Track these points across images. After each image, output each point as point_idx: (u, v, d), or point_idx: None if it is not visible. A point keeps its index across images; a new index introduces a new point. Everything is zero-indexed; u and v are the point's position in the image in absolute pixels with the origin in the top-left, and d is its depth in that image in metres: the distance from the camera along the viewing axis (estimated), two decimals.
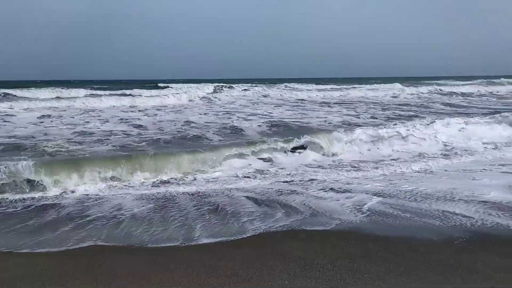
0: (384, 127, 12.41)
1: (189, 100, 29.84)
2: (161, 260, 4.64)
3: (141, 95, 31.74)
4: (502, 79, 60.40)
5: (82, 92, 33.64)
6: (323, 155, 10.36)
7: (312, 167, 9.33)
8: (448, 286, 3.94)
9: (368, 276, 4.15)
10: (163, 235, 5.42)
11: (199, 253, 4.82)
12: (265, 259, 4.59)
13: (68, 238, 5.35)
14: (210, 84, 43.89)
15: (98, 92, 34.63)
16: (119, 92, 34.25)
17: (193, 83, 52.90)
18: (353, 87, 44.39)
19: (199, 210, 6.41)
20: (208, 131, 14.42)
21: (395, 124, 13.45)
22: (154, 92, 35.11)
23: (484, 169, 8.79)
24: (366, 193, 7.14)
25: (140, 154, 8.96)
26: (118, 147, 11.03)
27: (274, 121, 17.05)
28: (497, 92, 40.21)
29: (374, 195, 7.01)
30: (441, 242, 5.03)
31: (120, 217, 6.11)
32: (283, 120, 17.58)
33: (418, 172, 8.78)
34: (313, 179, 8.23)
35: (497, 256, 4.57)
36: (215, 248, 4.97)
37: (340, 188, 7.53)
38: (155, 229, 5.63)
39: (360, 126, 13.65)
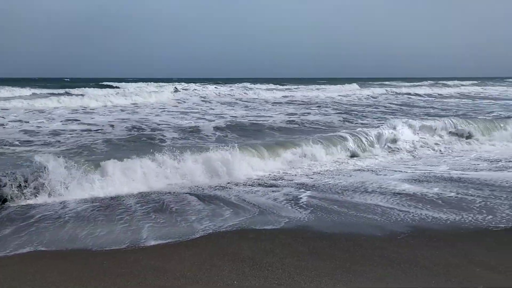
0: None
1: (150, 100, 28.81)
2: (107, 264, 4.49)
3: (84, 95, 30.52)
4: (456, 81, 64.32)
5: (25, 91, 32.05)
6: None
7: None
8: (391, 279, 4.08)
9: (315, 273, 4.22)
10: (108, 238, 5.25)
11: (146, 255, 4.71)
12: (214, 259, 4.56)
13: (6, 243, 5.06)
14: (166, 83, 43.34)
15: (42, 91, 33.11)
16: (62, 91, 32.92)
17: (151, 81, 51.89)
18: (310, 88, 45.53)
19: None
20: (163, 131, 14.23)
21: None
22: (100, 91, 33.88)
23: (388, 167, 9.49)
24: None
25: None
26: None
27: (233, 120, 17.05)
28: (443, 93, 42.16)
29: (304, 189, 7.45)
30: (384, 237, 5.21)
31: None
32: (238, 119, 17.62)
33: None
34: None
35: (435, 249, 4.79)
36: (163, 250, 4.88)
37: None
38: (90, 230, 5.45)
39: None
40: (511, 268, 4.26)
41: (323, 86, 49.99)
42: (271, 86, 47.98)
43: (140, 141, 12.34)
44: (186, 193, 7.28)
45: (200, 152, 8.76)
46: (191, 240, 5.18)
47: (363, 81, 63.34)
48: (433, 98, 35.57)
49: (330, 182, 8.00)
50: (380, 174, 8.70)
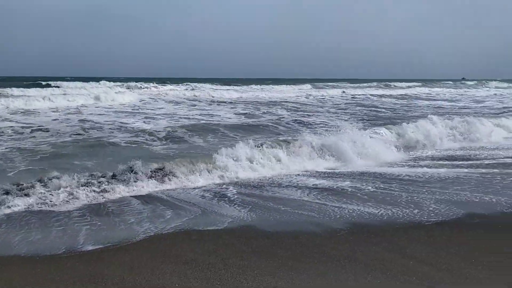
0: None
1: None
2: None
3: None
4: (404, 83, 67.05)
5: None
6: None
7: None
8: (331, 275, 4.19)
9: (258, 272, 4.25)
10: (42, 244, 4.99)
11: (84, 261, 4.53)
12: (155, 262, 4.47)
13: None
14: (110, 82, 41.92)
15: None
16: None
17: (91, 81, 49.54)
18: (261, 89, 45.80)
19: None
20: (113, 132, 13.80)
21: None
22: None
23: None
24: None
25: None
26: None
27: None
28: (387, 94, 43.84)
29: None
30: (324, 234, 5.35)
31: None
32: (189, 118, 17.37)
33: None
34: None
35: (372, 245, 4.98)
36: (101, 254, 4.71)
37: None
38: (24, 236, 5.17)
39: None
40: (440, 260, 4.51)
41: (275, 87, 50.25)
42: (230, 87, 47.58)
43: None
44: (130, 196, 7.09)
45: None
46: (131, 243, 5.05)
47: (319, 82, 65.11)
48: (373, 99, 36.95)
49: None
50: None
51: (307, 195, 7.11)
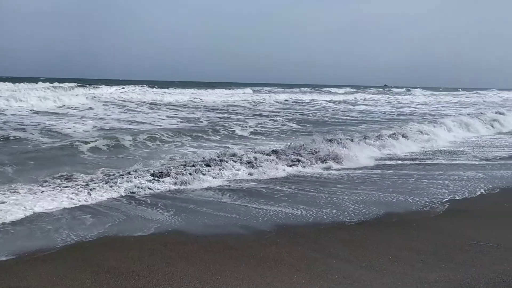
0: None
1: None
2: None
3: None
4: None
5: None
6: None
7: None
8: (257, 277, 4.24)
9: (184, 277, 4.19)
10: None
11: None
12: (75, 272, 4.25)
13: None
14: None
15: None
16: None
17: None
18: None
19: None
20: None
21: None
22: None
23: None
24: None
25: None
26: None
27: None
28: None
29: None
30: (252, 236, 5.40)
31: None
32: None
33: None
34: None
35: (298, 245, 5.11)
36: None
37: None
38: None
39: None
40: (361, 257, 4.72)
41: (216, 91, 49.66)
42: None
43: None
44: None
45: None
46: (49, 253, 4.76)
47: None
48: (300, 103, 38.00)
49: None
50: None
51: (222, 196, 7.30)
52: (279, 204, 6.81)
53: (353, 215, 6.30)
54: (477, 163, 10.49)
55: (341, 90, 65.62)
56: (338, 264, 4.56)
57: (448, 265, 4.43)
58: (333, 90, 66.75)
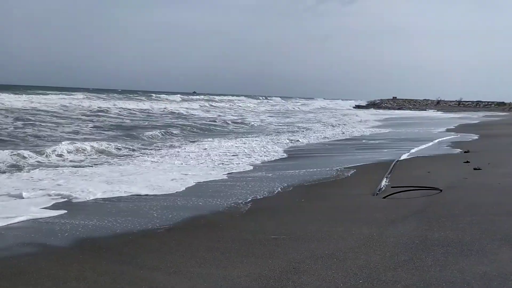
0: None
1: None
2: None
3: None
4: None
5: None
6: None
7: None
8: None
9: None
10: None
11: None
12: None
13: None
14: None
15: None
16: None
17: None
18: None
19: None
20: None
21: None
22: None
23: None
24: None
25: None
26: None
27: None
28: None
29: None
30: (48, 256, 4.90)
31: None
32: None
33: None
34: None
35: (103, 259, 4.83)
36: None
37: None
38: None
39: None
40: (170, 263, 4.71)
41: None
42: None
43: None
44: None
45: None
46: None
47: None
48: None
49: None
50: None
51: None
52: (80, 217, 6.37)
53: (161, 221, 6.29)
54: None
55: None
56: (145, 274, 4.46)
57: (249, 260, 4.76)
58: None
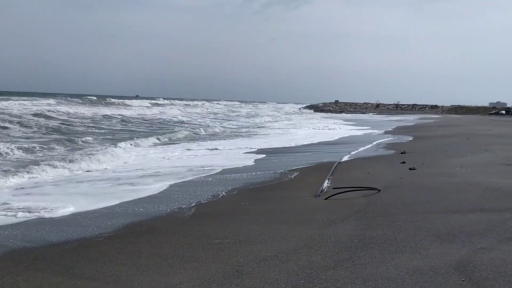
0: None
1: None
2: None
3: None
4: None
5: None
6: None
7: None
8: None
9: None
10: None
11: None
12: None
13: None
14: None
15: None
16: None
17: None
18: None
19: None
20: None
21: None
22: None
23: None
24: None
25: None
26: None
27: None
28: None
29: None
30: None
31: None
32: None
33: None
34: None
35: (39, 271, 4.61)
36: None
37: None
38: None
39: None
40: (109, 273, 4.56)
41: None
42: None
43: None
44: None
45: None
46: None
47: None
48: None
49: None
50: None
51: None
52: (10, 227, 6.03)
53: (100, 230, 6.08)
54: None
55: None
56: (83, 284, 4.30)
57: (192, 265, 4.71)
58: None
